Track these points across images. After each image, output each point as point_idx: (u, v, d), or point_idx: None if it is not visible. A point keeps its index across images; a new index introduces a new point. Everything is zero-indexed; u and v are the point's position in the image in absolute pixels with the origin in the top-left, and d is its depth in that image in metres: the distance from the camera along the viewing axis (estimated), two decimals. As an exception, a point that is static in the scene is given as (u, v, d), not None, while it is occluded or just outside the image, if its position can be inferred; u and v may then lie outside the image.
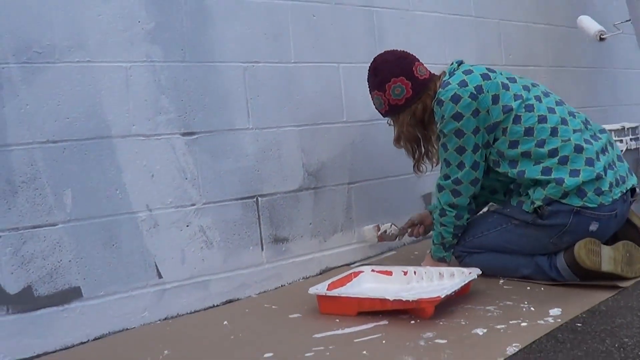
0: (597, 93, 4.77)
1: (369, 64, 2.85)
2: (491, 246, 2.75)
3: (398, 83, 2.74)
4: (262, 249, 2.85)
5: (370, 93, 2.85)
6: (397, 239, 3.17)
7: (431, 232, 2.93)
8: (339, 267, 2.84)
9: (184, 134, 2.64)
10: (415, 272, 2.65)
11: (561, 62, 4.55)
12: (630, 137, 3.61)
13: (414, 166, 2.90)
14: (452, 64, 2.78)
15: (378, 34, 3.35)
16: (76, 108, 2.39)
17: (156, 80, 2.58)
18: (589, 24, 3.85)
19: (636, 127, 3.67)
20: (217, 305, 2.68)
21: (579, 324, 2.16)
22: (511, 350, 1.97)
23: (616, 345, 1.95)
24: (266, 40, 2.91)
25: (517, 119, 2.62)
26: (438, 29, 3.71)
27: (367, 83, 2.86)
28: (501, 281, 2.70)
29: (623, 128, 3.60)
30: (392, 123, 2.88)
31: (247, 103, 2.83)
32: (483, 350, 2.00)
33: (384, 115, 2.86)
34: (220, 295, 2.70)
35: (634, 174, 2.77)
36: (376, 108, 2.87)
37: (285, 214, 2.93)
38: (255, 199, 2.83)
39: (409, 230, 3.14)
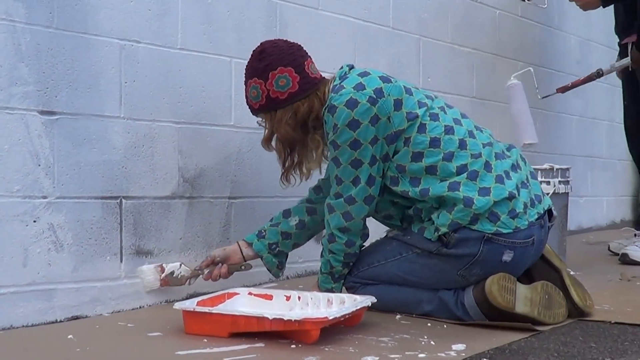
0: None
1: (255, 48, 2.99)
2: (388, 277, 2.94)
3: (285, 74, 2.87)
4: (121, 261, 3.00)
5: (245, 82, 2.97)
6: (188, 282, 3.15)
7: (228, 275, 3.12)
8: (210, 292, 3.00)
9: (42, 113, 2.78)
10: (299, 297, 2.83)
11: (486, 93, 4.93)
12: (559, 179, 3.93)
13: (282, 175, 3.02)
14: (342, 67, 2.96)
15: (279, 30, 3.59)
16: None
17: (15, 45, 2.72)
18: None
19: (566, 170, 3.99)
20: (61, 321, 2.81)
21: (485, 359, 2.35)
22: (406, 377, 2.15)
23: (527, 379, 2.14)
24: (150, 17, 3.11)
25: (422, 128, 2.83)
26: (348, 35, 4.00)
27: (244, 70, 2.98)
28: (398, 316, 2.90)
29: (552, 168, 3.91)
30: (262, 123, 3.01)
31: (121, 88, 3.01)
32: (373, 376, 2.18)
33: (257, 110, 2.97)
34: (65, 309, 2.83)
35: (547, 195, 3.03)
36: (249, 101, 2.98)
37: (152, 223, 3.11)
38: (118, 201, 2.99)
39: (206, 271, 3.13)
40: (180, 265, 3.13)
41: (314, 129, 2.93)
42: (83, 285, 2.89)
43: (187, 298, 3.12)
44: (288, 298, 2.86)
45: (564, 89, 4.58)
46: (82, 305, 2.88)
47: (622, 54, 4.64)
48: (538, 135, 4.17)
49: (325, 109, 2.85)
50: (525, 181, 2.93)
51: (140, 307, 3.05)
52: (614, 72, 4.68)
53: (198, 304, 2.68)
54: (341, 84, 2.86)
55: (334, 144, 2.84)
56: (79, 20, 2.89)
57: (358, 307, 2.65)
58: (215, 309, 2.65)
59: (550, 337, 2.66)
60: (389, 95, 2.83)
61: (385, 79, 2.87)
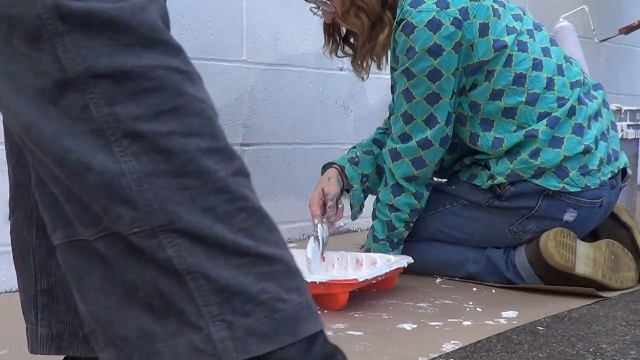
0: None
1: None
2: (429, 233, 2.75)
3: None
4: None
5: None
6: None
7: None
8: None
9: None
10: (324, 258, 2.62)
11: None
12: (629, 122, 3.66)
13: (355, 60, 2.73)
14: None
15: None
16: None
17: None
18: None
19: (637, 111, 3.73)
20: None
21: (540, 328, 2.17)
22: (449, 347, 1.95)
23: (591, 350, 1.94)
24: None
25: (508, 61, 2.54)
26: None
27: None
28: (438, 280, 2.73)
29: (619, 110, 3.65)
30: (316, 9, 2.68)
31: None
32: (410, 345, 2.00)
33: None
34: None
35: (622, 151, 2.79)
36: None
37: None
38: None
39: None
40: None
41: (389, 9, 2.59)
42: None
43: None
44: (311, 259, 2.71)
45: (628, 29, 4.20)
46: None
47: None
48: (602, 73, 3.87)
49: (400, 25, 2.52)
50: (606, 132, 2.68)
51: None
52: None
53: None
54: None
55: (408, 73, 2.54)
56: None
57: (392, 269, 2.47)
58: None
59: (617, 304, 2.46)
60: (474, 17, 2.50)
61: None
